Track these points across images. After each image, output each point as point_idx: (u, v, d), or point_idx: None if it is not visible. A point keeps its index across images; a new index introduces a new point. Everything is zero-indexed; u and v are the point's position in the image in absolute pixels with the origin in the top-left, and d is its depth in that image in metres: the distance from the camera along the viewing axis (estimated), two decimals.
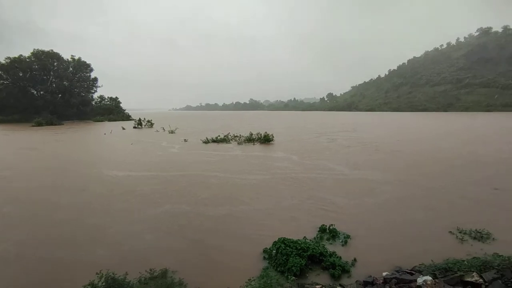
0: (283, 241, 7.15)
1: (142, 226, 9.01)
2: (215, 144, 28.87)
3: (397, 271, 6.12)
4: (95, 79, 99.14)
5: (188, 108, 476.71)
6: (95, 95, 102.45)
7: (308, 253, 6.73)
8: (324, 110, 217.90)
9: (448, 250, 7.01)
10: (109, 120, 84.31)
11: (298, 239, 7.30)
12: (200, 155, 22.12)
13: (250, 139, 30.08)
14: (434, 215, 9.53)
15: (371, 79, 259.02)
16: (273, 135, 30.35)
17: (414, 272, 5.90)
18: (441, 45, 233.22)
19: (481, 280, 5.17)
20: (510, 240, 7.60)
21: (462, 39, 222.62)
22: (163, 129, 46.00)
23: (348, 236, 7.90)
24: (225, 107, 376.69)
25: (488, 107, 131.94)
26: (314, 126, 55.56)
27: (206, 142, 29.57)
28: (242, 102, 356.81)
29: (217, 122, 74.19)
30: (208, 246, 7.67)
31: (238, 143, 29.02)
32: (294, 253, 6.71)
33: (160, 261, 6.84)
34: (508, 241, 7.54)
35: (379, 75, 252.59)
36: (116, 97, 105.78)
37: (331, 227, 8.20)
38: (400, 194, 11.80)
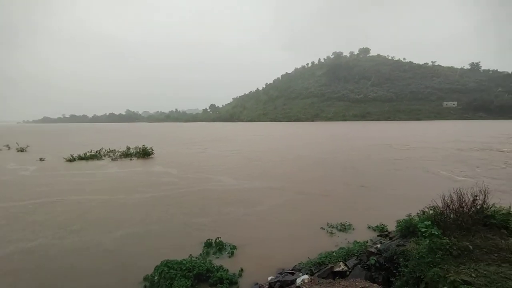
0: (166, 264, 6.50)
1: None
2: (84, 162, 24.74)
3: (281, 273, 6.39)
4: None
5: (46, 120, 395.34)
6: None
7: (194, 272, 6.30)
8: (207, 121, 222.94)
9: (321, 245, 7.81)
10: None
11: (183, 259, 6.78)
12: (64, 176, 18.44)
13: (127, 154, 27.39)
14: (309, 215, 10.58)
15: (251, 91, 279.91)
16: (153, 148, 28.54)
17: (295, 272, 6.27)
18: (307, 64, 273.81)
19: (346, 268, 5.89)
20: (364, 227, 9.12)
21: (322, 60, 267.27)
22: (8, 147, 36.84)
23: (234, 247, 7.83)
24: (96, 119, 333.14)
25: (344, 117, 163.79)
26: (195, 137, 55.93)
27: (71, 160, 24.92)
28: (118, 114, 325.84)
29: (90, 135, 65.28)
30: (72, 286, 6.28)
31: (112, 159, 25.78)
32: (179, 274, 6.18)
33: None
34: (363, 228, 9.03)
35: (257, 88, 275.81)
36: None
37: (217, 240, 7.99)
38: (279, 200, 12.62)
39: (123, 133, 77.44)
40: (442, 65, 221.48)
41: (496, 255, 4.81)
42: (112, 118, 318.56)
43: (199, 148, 35.43)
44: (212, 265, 6.68)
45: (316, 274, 5.82)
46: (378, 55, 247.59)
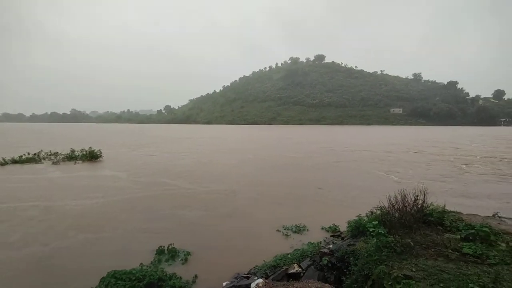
0: (113, 274, 6.05)
1: None
2: (18, 165, 22.34)
3: (236, 278, 6.30)
4: None
5: None
6: None
7: (145, 281, 5.94)
8: (162, 122, 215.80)
9: (277, 247, 7.85)
10: None
11: (133, 269, 6.36)
12: None
13: (71, 157, 25.29)
14: (265, 217, 10.60)
15: (208, 93, 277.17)
16: (101, 150, 26.74)
17: (250, 275, 6.23)
18: (265, 68, 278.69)
19: (300, 269, 5.99)
20: (318, 228, 9.39)
21: (279, 64, 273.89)
22: None
23: (188, 253, 7.55)
24: (35, 119, 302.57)
25: (300, 121, 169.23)
26: (147, 139, 54.27)
27: (3, 163, 22.22)
28: (61, 113, 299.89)
29: (26, 136, 59.44)
30: None
31: (53, 163, 23.54)
32: (128, 285, 5.79)
33: None
34: (317, 229, 9.29)
35: (214, 90, 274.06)
36: None
37: (170, 247, 7.64)
38: (234, 203, 12.47)
39: (69, 133, 71.87)
40: (390, 74, 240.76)
41: (433, 250, 5.24)
42: (54, 117, 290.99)
43: (151, 150, 34.18)
44: (165, 273, 6.37)
45: (271, 277, 5.84)
46: (333, 62, 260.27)
